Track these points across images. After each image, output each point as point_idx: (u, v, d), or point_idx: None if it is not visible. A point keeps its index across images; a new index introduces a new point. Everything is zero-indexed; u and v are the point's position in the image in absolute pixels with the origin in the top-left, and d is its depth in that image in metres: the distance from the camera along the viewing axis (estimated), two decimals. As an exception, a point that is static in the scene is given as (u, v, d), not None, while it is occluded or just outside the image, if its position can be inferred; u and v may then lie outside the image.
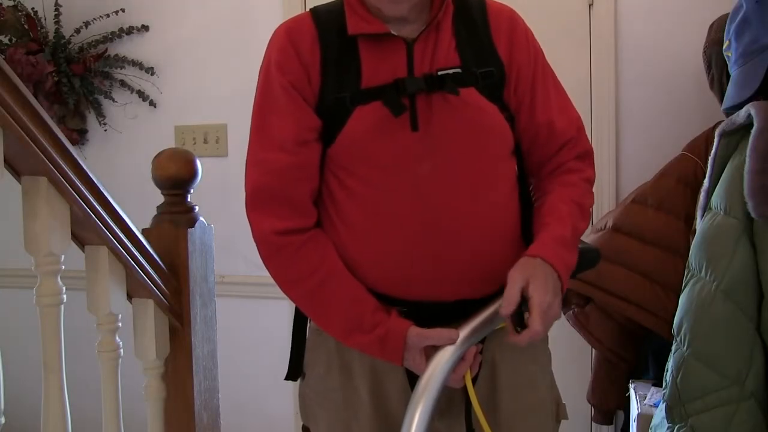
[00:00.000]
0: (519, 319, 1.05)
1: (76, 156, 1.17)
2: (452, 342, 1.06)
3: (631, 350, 1.95)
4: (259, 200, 1.13)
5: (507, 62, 1.15)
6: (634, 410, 1.77)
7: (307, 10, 1.17)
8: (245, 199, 1.15)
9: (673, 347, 1.23)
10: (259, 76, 1.18)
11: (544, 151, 1.20)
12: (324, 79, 1.11)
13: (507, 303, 1.04)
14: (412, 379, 1.12)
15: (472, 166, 1.11)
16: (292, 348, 1.26)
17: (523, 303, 1.05)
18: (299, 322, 1.25)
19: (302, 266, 1.11)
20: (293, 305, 1.21)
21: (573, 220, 1.14)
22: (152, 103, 2.66)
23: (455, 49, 1.12)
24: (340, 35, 1.11)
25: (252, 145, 1.16)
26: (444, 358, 1.07)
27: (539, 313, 1.02)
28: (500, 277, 1.08)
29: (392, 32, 1.10)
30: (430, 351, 1.08)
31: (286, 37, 1.13)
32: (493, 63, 1.13)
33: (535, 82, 1.17)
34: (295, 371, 1.25)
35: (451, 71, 1.09)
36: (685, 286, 1.23)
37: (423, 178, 1.08)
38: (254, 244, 1.17)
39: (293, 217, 1.12)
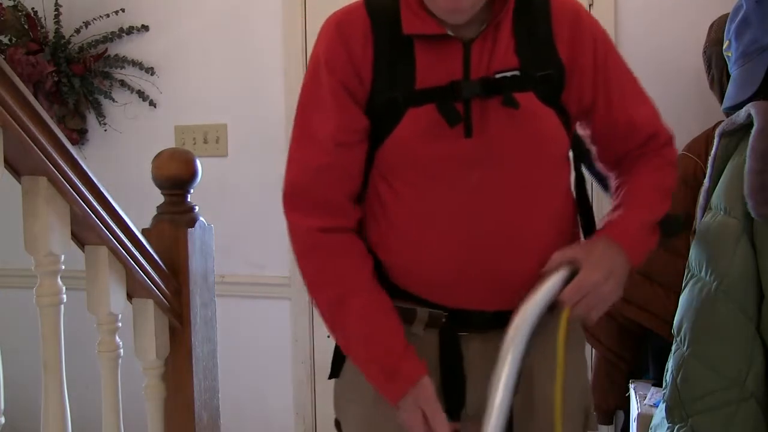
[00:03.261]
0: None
1: (76, 156, 1.17)
2: None
3: (631, 350, 1.95)
4: (297, 197, 1.10)
5: (568, 63, 1.09)
6: (634, 410, 1.77)
7: (361, 0, 1.10)
8: (283, 194, 1.12)
9: (673, 347, 1.23)
10: (307, 69, 1.12)
11: (626, 146, 1.16)
12: (375, 78, 1.05)
13: (546, 267, 1.03)
14: (446, 381, 1.10)
15: (526, 174, 1.07)
16: (336, 347, 1.22)
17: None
18: None
19: (336, 271, 1.09)
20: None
21: (655, 206, 1.12)
22: (152, 103, 2.66)
23: (514, 50, 1.06)
24: (394, 32, 1.06)
25: (293, 142, 1.12)
26: None
27: (575, 286, 1.00)
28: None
29: (449, 33, 1.05)
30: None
31: (336, 31, 1.07)
32: (553, 65, 1.08)
33: (607, 80, 1.12)
34: (336, 370, 1.23)
35: (508, 74, 1.04)
36: (685, 286, 1.23)
37: (474, 185, 1.05)
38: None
39: (332, 216, 1.09)
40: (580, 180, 1.19)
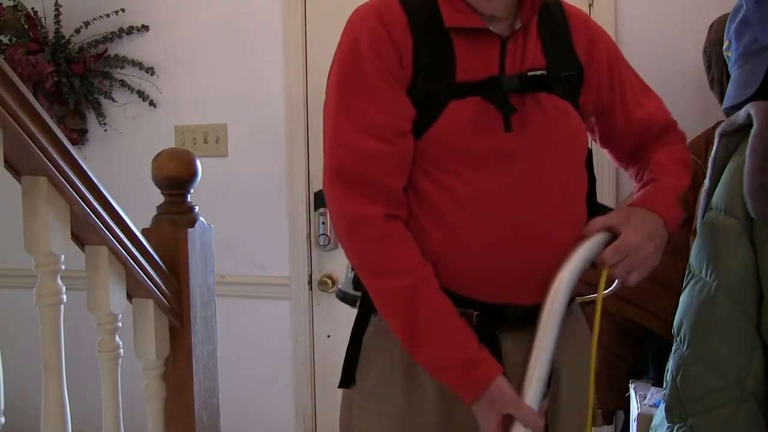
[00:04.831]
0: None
1: (76, 156, 1.17)
2: (537, 428, 1.02)
3: (631, 350, 1.95)
4: (352, 184, 1.05)
5: (586, 66, 1.15)
6: (634, 410, 1.77)
7: None
8: (330, 181, 1.07)
9: (673, 347, 1.23)
10: (342, 51, 1.09)
11: (642, 138, 1.23)
12: (416, 69, 1.05)
13: (588, 229, 1.07)
14: None
15: (563, 169, 1.10)
16: (347, 354, 1.19)
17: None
18: (360, 326, 1.18)
19: (408, 259, 1.05)
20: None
21: (679, 174, 1.18)
22: (152, 103, 2.66)
23: (541, 50, 1.11)
24: (432, 25, 1.07)
25: (336, 128, 1.07)
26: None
27: (615, 247, 1.05)
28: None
29: (490, 28, 1.07)
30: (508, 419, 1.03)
31: (377, 19, 1.07)
32: (574, 66, 1.13)
33: (621, 80, 1.19)
34: (349, 378, 1.18)
35: (539, 73, 1.08)
36: (685, 286, 1.23)
37: (518, 178, 1.06)
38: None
39: (393, 204, 1.06)
40: (592, 183, 1.21)
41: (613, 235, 1.09)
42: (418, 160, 1.08)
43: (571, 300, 1.18)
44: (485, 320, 1.09)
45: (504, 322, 1.09)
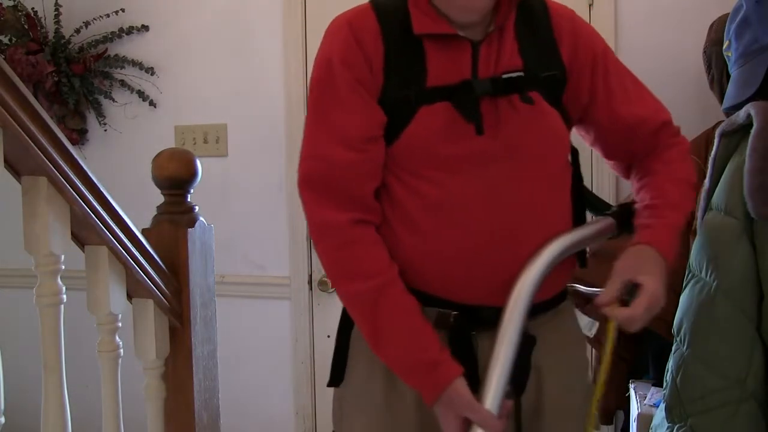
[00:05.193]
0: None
1: (76, 156, 1.17)
2: (494, 431, 1.02)
3: (631, 350, 1.95)
4: (323, 192, 1.09)
5: (569, 65, 1.13)
6: (634, 410, 1.77)
7: (367, 3, 1.13)
8: (303, 191, 1.11)
9: (673, 347, 1.23)
10: (316, 67, 1.12)
11: (637, 140, 1.18)
12: (387, 76, 1.07)
13: (604, 296, 1.04)
14: (472, 380, 1.08)
15: (538, 171, 1.09)
16: (335, 353, 1.21)
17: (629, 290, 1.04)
18: (345, 327, 1.20)
19: (374, 263, 1.07)
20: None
21: (686, 204, 1.15)
22: (152, 103, 2.66)
23: (518, 52, 1.10)
24: (403, 31, 1.08)
25: (311, 139, 1.11)
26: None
27: (648, 297, 1.03)
28: (553, 283, 1.09)
29: (459, 33, 1.07)
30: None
31: (348, 29, 1.09)
32: (555, 66, 1.12)
33: (607, 77, 1.15)
34: (338, 376, 1.21)
35: (514, 75, 1.07)
36: (685, 287, 1.23)
37: (492, 182, 1.06)
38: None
39: (362, 210, 1.09)
40: (578, 183, 1.20)
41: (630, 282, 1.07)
42: (390, 165, 1.10)
43: (561, 299, 1.19)
44: (461, 321, 1.09)
45: (481, 323, 1.09)
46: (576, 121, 1.20)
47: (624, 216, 1.19)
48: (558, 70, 1.11)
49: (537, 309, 1.10)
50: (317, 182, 1.09)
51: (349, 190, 1.08)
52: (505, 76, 1.07)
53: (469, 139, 1.05)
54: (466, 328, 1.09)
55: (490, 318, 1.07)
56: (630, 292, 1.04)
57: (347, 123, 1.08)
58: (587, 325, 1.16)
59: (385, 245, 1.09)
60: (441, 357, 1.05)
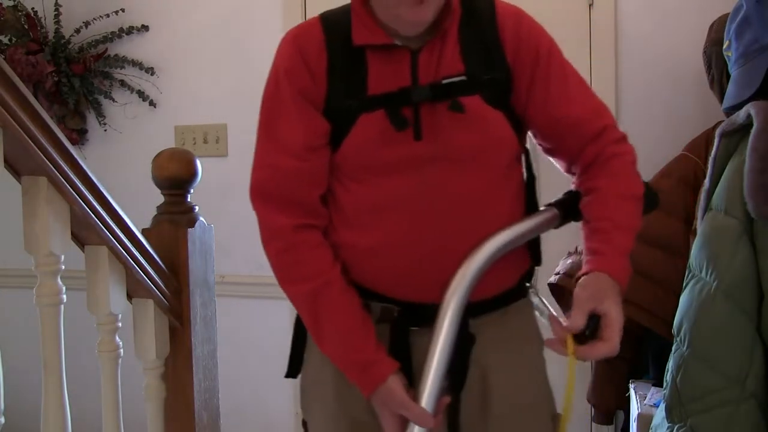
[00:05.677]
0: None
1: (76, 156, 1.17)
2: (427, 427, 1.06)
3: (631, 350, 1.95)
4: (270, 200, 1.15)
5: (513, 66, 1.13)
6: (634, 410, 1.77)
7: (317, 15, 1.18)
8: (253, 199, 1.18)
9: (673, 347, 1.23)
10: (267, 80, 1.18)
11: (575, 145, 1.17)
12: (330, 86, 1.11)
13: (572, 325, 1.03)
14: (408, 375, 1.12)
15: (476, 172, 1.11)
16: (292, 346, 1.27)
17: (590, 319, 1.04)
18: (300, 321, 1.25)
19: (313, 266, 1.13)
20: (293, 305, 1.21)
21: (632, 222, 1.14)
22: (152, 103, 2.66)
23: (460, 56, 1.11)
24: (347, 43, 1.12)
25: (260, 150, 1.19)
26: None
27: (617, 328, 1.02)
28: (496, 280, 1.10)
29: (396, 43, 1.10)
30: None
31: (293, 44, 1.14)
32: (499, 68, 1.12)
33: (548, 79, 1.15)
34: (294, 369, 1.26)
35: (456, 79, 1.09)
36: (685, 287, 1.23)
37: (426, 184, 1.09)
38: (259, 242, 1.18)
39: (305, 215, 1.14)
40: (531, 181, 1.21)
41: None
42: (335, 171, 1.14)
43: (513, 298, 1.19)
44: (402, 318, 1.13)
45: (422, 320, 1.11)
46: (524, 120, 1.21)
47: (567, 205, 1.19)
48: (501, 71, 1.12)
49: (483, 307, 1.14)
50: (265, 190, 1.16)
51: (294, 197, 1.14)
52: (446, 81, 1.09)
53: (407, 143, 1.08)
54: (405, 325, 1.13)
55: (430, 315, 1.09)
56: (591, 319, 1.04)
57: (291, 133, 1.13)
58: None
59: (329, 247, 1.15)
60: (374, 357, 1.10)
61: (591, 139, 1.17)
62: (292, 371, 1.27)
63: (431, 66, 1.10)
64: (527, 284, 1.24)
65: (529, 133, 1.22)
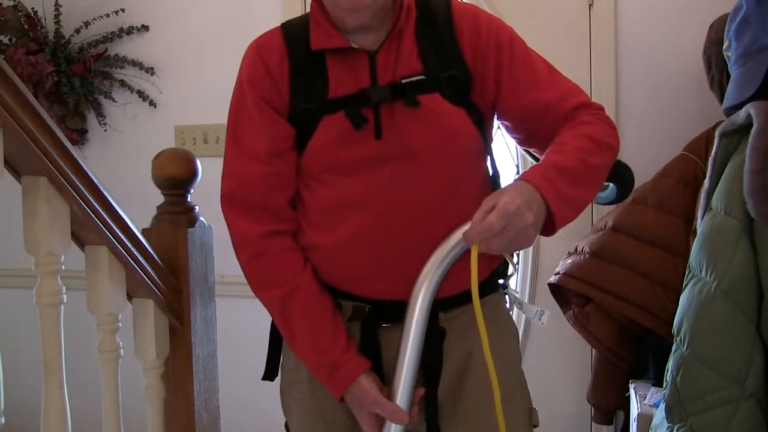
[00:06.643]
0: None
1: (76, 156, 1.17)
2: (402, 423, 1.09)
3: (631, 350, 1.95)
4: (239, 207, 1.17)
5: (472, 63, 1.15)
6: (634, 410, 1.77)
7: (279, 24, 1.22)
8: (223, 207, 1.19)
9: (673, 347, 1.23)
10: (233, 91, 1.20)
11: (550, 127, 1.16)
12: (293, 91, 1.14)
13: (472, 225, 1.02)
14: (380, 374, 1.14)
15: (437, 169, 1.12)
16: (269, 348, 1.29)
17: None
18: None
19: (283, 271, 1.15)
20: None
21: (580, 152, 1.08)
22: (152, 103, 2.66)
23: (417, 55, 1.13)
24: (307, 49, 1.15)
25: (228, 157, 1.20)
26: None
27: (500, 209, 0.99)
28: (461, 277, 1.09)
29: (353, 45, 1.12)
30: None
31: (256, 53, 1.17)
32: (457, 66, 1.14)
33: (514, 68, 1.15)
34: (272, 371, 1.28)
35: (414, 79, 1.11)
36: (685, 287, 1.23)
37: (386, 179, 1.10)
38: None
39: (274, 221, 1.16)
40: (495, 176, 1.23)
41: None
42: (301, 174, 1.17)
43: (490, 290, 1.21)
44: (372, 315, 1.15)
45: (392, 317, 1.13)
46: (492, 116, 1.21)
47: None
48: (459, 69, 1.14)
49: (455, 301, 1.15)
50: (233, 198, 1.17)
51: (262, 203, 1.16)
52: (404, 80, 1.11)
53: (368, 143, 1.10)
54: (375, 322, 1.15)
55: (400, 311, 1.11)
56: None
57: (255, 140, 1.15)
58: (536, 314, 1.15)
59: (299, 251, 1.17)
60: (343, 358, 1.12)
61: (565, 117, 1.15)
62: (270, 372, 1.28)
63: (389, 66, 1.12)
64: (500, 282, 1.25)
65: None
